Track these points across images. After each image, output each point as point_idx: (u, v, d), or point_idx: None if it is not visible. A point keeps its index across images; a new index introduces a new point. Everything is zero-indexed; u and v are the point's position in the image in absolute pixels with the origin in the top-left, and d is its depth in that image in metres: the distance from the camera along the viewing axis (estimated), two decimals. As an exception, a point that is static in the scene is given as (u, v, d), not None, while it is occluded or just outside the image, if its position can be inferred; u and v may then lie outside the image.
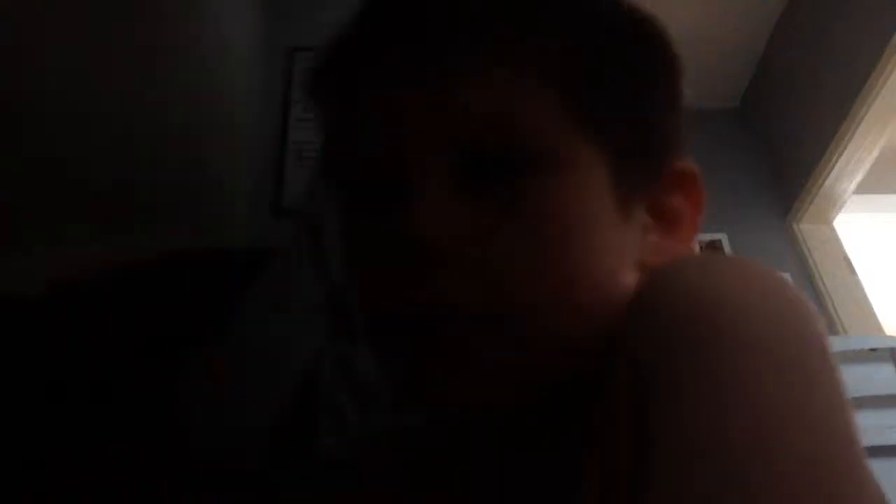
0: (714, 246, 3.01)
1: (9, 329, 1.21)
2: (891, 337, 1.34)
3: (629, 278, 0.37)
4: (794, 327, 0.28)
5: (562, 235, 0.34)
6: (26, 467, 1.01)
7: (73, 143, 1.51)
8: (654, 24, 0.42)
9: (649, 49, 0.41)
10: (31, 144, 1.39)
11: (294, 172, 2.45)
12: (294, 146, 2.51)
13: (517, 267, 0.34)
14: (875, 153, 2.78)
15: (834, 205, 2.98)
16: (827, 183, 2.88)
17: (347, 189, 0.38)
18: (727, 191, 3.23)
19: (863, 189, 2.99)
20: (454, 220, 0.33)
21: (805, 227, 3.03)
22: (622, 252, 0.37)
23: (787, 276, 2.89)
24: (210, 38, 2.14)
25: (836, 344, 1.25)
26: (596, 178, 0.36)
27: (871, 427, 0.95)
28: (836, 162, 2.80)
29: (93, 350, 1.19)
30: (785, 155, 3.19)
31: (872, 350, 1.08)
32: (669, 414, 0.26)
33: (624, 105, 0.39)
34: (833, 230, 3.04)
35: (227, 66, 2.31)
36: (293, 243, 1.08)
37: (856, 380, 1.07)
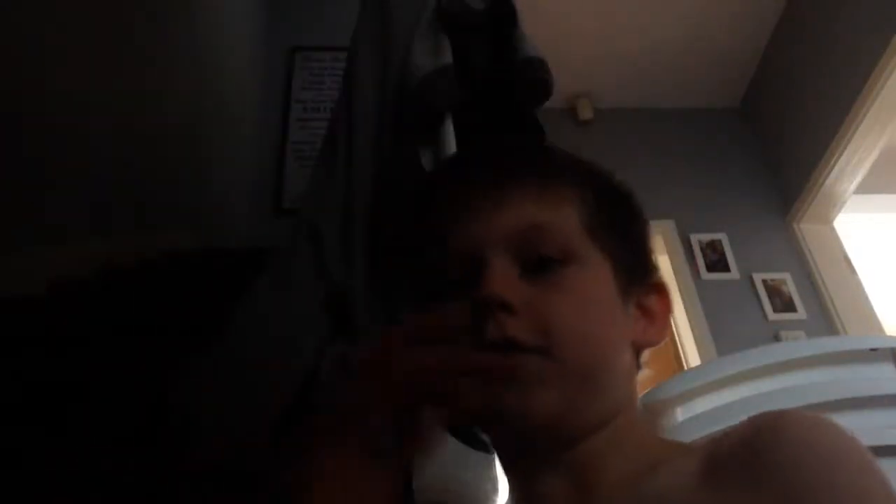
0: (714, 245, 3.01)
1: (9, 329, 1.21)
2: (891, 337, 1.34)
3: (626, 351, 0.57)
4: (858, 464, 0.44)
5: (585, 305, 0.54)
6: (26, 468, 1.01)
7: (73, 143, 1.51)
8: (632, 193, 0.64)
9: (631, 204, 0.63)
10: (31, 144, 1.39)
11: (294, 173, 2.45)
12: (294, 146, 2.51)
13: (557, 321, 0.52)
14: (875, 153, 2.78)
15: (834, 205, 2.98)
16: (827, 183, 2.88)
17: (433, 277, 0.57)
18: (727, 191, 3.23)
19: (863, 189, 2.99)
20: (517, 289, 0.52)
21: (805, 227, 3.03)
22: (621, 328, 0.57)
23: (786, 275, 2.90)
24: (211, 39, 2.15)
25: (836, 344, 1.24)
26: (603, 275, 0.57)
27: (871, 427, 0.94)
28: (836, 162, 2.80)
29: (93, 350, 1.19)
30: (785, 155, 3.19)
31: (873, 350, 1.08)
32: None
33: (617, 233, 0.60)
34: (833, 230, 3.04)
35: (227, 67, 2.31)
36: (293, 243, 1.08)
37: (856, 380, 1.07)
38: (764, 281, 2.88)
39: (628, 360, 0.57)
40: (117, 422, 1.06)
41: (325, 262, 0.98)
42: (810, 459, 0.44)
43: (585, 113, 3.38)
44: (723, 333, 2.70)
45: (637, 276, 0.60)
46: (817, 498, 0.42)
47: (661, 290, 0.62)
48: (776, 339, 2.70)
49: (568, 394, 0.51)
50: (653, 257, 0.64)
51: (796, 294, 2.85)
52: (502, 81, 0.95)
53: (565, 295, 0.54)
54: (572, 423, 0.53)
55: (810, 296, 2.85)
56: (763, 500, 0.44)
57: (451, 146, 0.85)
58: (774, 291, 2.86)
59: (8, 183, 1.33)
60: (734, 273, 2.93)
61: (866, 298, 2.84)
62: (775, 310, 2.80)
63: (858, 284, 2.88)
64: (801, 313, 2.80)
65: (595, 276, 0.56)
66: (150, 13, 1.76)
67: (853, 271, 2.91)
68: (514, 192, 0.58)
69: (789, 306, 2.82)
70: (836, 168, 2.81)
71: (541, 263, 0.55)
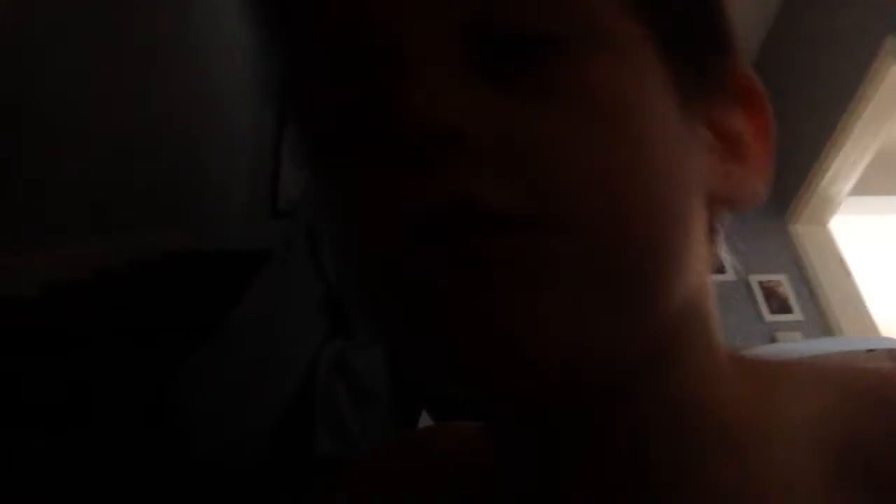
0: (710, 247, 3.02)
1: (8, 329, 1.21)
2: (887, 338, 1.35)
3: (697, 209, 0.29)
4: None
5: (613, 126, 0.26)
6: (24, 468, 1.01)
7: (73, 143, 1.52)
8: None
9: None
10: (31, 145, 1.39)
11: (291, 174, 2.45)
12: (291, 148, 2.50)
13: (564, 164, 0.24)
14: (870, 155, 2.79)
15: (829, 206, 2.99)
16: (822, 185, 2.89)
17: (323, 108, 0.29)
18: (723, 192, 3.23)
19: (858, 191, 3.00)
20: (470, 100, 0.25)
21: (801, 229, 3.04)
22: (684, 167, 0.28)
23: (783, 277, 2.91)
24: (208, 39, 2.15)
25: (832, 345, 1.25)
26: (645, 64, 0.28)
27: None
28: (832, 164, 2.81)
29: (92, 351, 1.19)
30: (780, 157, 3.18)
31: (869, 351, 1.09)
32: None
33: None
34: (828, 232, 3.05)
35: (224, 68, 2.31)
36: (290, 244, 1.08)
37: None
38: (760, 282, 2.89)
39: (701, 226, 0.31)
40: (117, 422, 1.06)
41: (323, 263, 0.99)
42: None
43: (582, 114, 3.38)
44: (719, 335, 2.71)
45: (709, 67, 0.31)
46: None
47: (752, 95, 0.34)
48: (773, 340, 2.71)
49: (595, 304, 0.25)
50: (733, 33, 0.34)
51: (792, 295, 2.86)
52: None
53: (574, 111, 0.25)
54: (606, 361, 0.26)
55: (806, 297, 2.86)
56: None
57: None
58: (771, 293, 2.87)
59: (8, 183, 1.34)
60: (730, 275, 2.93)
61: (861, 299, 2.85)
62: (772, 311, 2.81)
63: (854, 286, 2.89)
64: (797, 315, 2.81)
65: (629, 68, 0.27)
66: (149, 13, 1.76)
67: (848, 273, 2.92)
68: None
69: (785, 308, 2.83)
70: (832, 170, 2.82)
71: (517, 52, 0.26)
